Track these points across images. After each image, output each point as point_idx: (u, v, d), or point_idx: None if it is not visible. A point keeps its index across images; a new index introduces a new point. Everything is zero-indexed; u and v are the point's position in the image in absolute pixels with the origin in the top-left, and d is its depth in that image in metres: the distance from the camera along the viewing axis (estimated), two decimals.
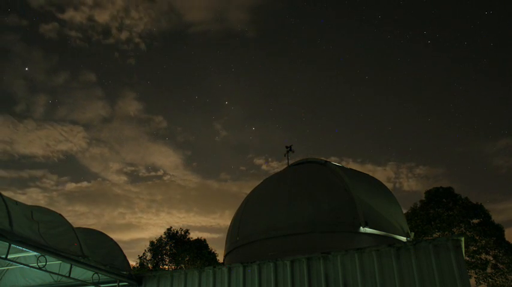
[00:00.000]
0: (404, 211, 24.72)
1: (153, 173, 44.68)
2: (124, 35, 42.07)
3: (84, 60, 41.34)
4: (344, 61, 46.11)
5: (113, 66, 42.59)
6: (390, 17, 44.43)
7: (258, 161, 45.52)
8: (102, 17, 41.63)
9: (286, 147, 15.02)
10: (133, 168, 43.86)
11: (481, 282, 22.70)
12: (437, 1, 41.43)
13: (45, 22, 39.74)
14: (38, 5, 38.42)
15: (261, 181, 14.39)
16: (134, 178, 44.85)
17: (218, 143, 45.77)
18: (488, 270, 22.60)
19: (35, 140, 40.46)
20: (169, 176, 45.42)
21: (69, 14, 39.93)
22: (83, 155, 43.39)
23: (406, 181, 45.56)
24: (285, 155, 14.90)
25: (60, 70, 39.52)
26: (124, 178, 44.04)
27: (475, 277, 22.77)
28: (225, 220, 47.39)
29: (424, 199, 25.43)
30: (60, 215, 9.57)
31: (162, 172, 45.61)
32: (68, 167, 44.21)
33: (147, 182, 45.21)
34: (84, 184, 43.49)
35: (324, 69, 48.07)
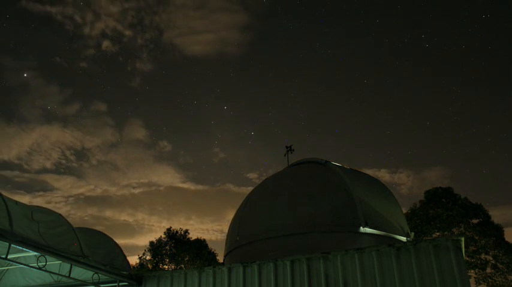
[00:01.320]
0: (404, 211, 24.72)
1: (154, 188, 46.24)
2: (130, 66, 43.62)
3: (95, 91, 43.89)
4: (344, 61, 46.14)
5: (121, 96, 45.41)
6: (390, 18, 44.47)
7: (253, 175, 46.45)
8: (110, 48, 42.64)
9: (286, 147, 15.01)
10: (137, 181, 44.69)
11: (481, 282, 22.71)
12: (434, 4, 41.47)
13: (60, 56, 41.44)
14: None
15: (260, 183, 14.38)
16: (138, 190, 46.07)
17: (216, 163, 46.97)
18: (488, 270, 22.61)
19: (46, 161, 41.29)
20: (169, 187, 46.52)
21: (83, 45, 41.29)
22: (91, 174, 44.23)
23: (406, 181, 45.58)
24: (285, 155, 14.90)
25: (74, 101, 41.98)
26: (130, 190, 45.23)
27: (474, 277, 22.78)
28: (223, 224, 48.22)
29: (423, 199, 25.44)
30: (60, 215, 9.57)
31: (163, 187, 47.09)
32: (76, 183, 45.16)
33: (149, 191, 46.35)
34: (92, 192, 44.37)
35: (324, 69, 48.12)
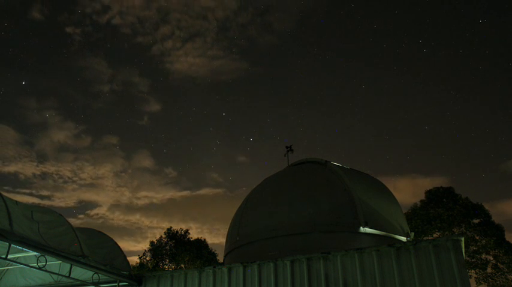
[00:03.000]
0: (404, 211, 24.70)
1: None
2: (138, 107, 48.24)
3: (106, 125, 48.53)
4: (344, 62, 46.14)
5: (130, 130, 49.78)
6: (390, 19, 44.46)
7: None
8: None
9: (286, 147, 15.00)
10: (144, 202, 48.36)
11: (481, 282, 22.68)
12: (433, 6, 41.45)
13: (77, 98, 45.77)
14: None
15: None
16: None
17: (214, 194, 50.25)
18: (489, 270, 22.58)
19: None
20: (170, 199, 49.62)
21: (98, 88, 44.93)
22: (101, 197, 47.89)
23: (406, 181, 45.55)
24: (285, 155, 14.90)
25: (87, 135, 46.11)
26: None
27: (475, 277, 22.76)
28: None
29: (424, 198, 25.42)
30: (60, 215, 9.57)
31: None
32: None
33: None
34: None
35: (324, 70, 48.10)
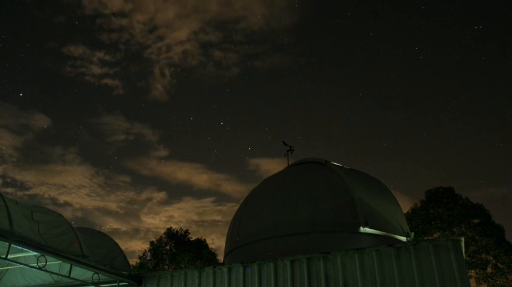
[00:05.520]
0: (405, 211, 24.70)
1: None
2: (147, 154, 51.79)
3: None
4: (344, 62, 46.12)
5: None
6: (391, 19, 44.45)
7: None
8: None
9: (285, 145, 14.98)
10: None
11: (482, 282, 22.68)
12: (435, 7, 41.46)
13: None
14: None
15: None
16: None
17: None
18: (489, 270, 22.58)
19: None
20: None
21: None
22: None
23: (406, 181, 45.55)
24: (285, 155, 14.89)
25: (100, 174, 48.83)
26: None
27: (475, 277, 22.75)
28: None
29: (424, 198, 25.41)
30: (60, 215, 9.58)
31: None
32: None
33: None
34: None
35: (324, 70, 48.10)
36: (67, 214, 46.72)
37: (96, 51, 47.96)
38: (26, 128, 46.28)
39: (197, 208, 50.83)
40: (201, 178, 52.33)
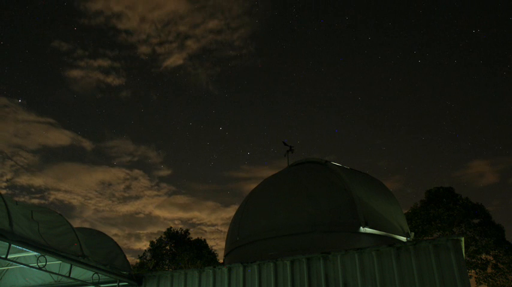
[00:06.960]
0: (405, 211, 24.70)
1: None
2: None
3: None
4: (344, 62, 46.13)
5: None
6: (390, 19, 44.46)
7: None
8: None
9: (286, 144, 14.97)
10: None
11: (482, 282, 22.69)
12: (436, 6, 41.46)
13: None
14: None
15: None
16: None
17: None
18: (489, 270, 22.59)
19: None
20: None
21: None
22: None
23: (406, 181, 45.54)
24: (285, 155, 14.88)
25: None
26: None
27: (475, 277, 22.76)
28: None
29: (424, 198, 25.41)
30: (60, 215, 9.58)
31: None
32: None
33: None
34: None
35: (324, 70, 48.08)
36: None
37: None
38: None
39: None
40: None
